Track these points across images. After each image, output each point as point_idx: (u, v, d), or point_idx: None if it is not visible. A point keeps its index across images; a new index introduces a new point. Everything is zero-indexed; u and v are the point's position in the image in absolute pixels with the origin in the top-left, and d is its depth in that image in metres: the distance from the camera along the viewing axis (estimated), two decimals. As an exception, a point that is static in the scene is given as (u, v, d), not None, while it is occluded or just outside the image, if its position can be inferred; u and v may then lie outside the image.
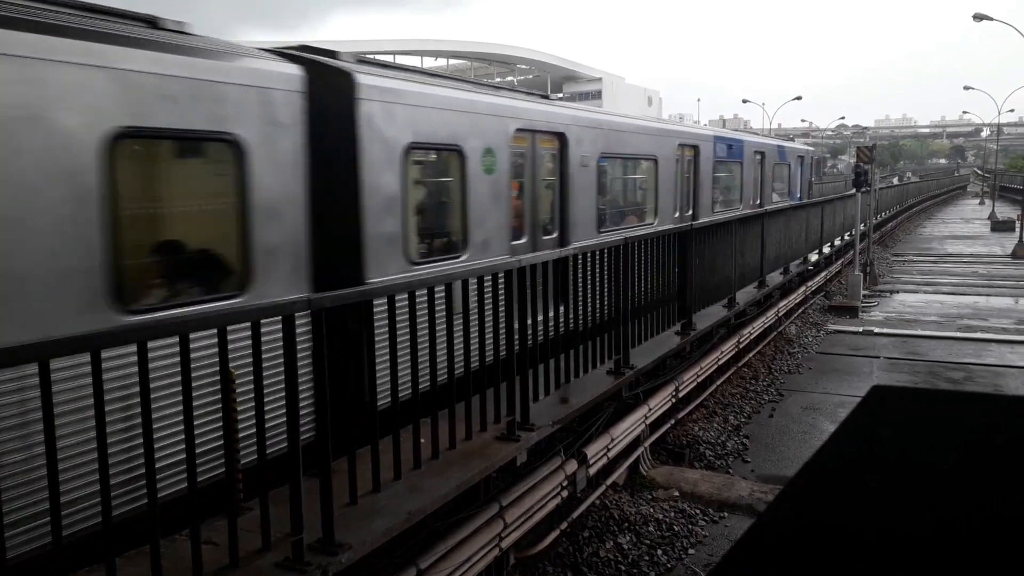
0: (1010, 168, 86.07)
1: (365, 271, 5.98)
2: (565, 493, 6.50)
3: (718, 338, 10.82)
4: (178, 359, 3.47)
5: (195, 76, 4.75)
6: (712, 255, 9.82)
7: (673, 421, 9.35)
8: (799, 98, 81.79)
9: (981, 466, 1.00)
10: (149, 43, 4.58)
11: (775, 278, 13.80)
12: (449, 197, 7.33)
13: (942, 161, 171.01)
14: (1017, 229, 30.76)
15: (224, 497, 3.95)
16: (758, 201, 17.51)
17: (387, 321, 4.58)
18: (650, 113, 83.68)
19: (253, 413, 3.83)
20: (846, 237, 22.48)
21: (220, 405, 4.06)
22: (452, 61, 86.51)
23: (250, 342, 3.76)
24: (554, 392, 6.31)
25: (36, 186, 3.98)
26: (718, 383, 11.14)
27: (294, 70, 5.49)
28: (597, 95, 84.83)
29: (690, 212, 13.42)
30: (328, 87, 5.81)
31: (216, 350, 3.68)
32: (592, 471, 7.02)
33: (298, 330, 3.85)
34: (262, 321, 3.78)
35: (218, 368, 3.70)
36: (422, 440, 4.93)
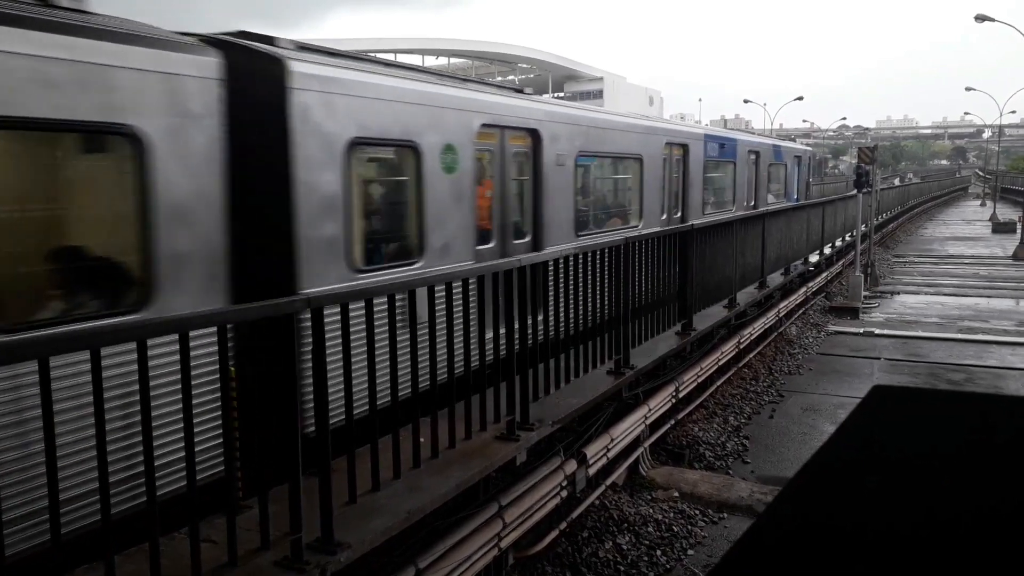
0: (1011, 169, 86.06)
1: (298, 280, 5.41)
2: (564, 493, 6.49)
3: (718, 339, 10.81)
4: (176, 357, 3.47)
5: (83, 59, 4.20)
6: (713, 255, 9.80)
7: (673, 422, 9.34)
8: (800, 98, 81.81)
9: (981, 466, 1.00)
10: (23, 20, 4.04)
11: (776, 279, 13.79)
12: (403, 198, 6.75)
13: (944, 162, 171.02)
14: (1018, 231, 30.75)
15: (223, 495, 3.94)
16: (752, 203, 17.01)
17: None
18: (651, 113, 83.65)
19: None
20: (847, 238, 22.47)
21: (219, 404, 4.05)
22: (453, 60, 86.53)
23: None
24: (554, 392, 6.30)
25: None
26: (718, 384, 11.13)
27: (210, 55, 4.95)
28: (599, 95, 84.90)
29: (679, 214, 12.92)
30: (254, 75, 5.30)
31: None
32: (592, 471, 7.02)
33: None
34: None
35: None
36: (421, 439, 4.93)
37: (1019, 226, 31.18)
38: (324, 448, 3.98)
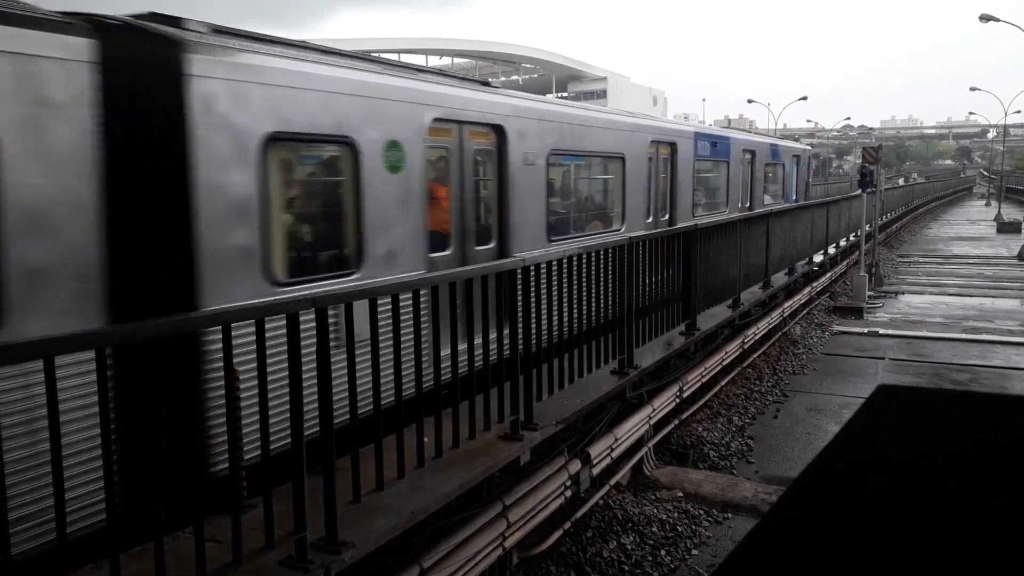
0: (1016, 169, 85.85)
1: (200, 295, 4.74)
2: (568, 493, 6.49)
3: (722, 338, 10.80)
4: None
5: None
6: (717, 255, 9.79)
7: (677, 421, 9.34)
8: (804, 98, 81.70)
9: (986, 465, 0.99)
10: None
11: (780, 279, 13.77)
12: (337, 200, 6.08)
13: (948, 162, 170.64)
14: (1023, 231, 30.64)
15: (227, 494, 3.95)
16: (747, 204, 16.37)
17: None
18: (655, 113, 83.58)
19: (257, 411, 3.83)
20: (851, 238, 22.43)
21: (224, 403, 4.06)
22: (456, 60, 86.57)
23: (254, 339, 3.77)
24: (558, 391, 6.30)
25: None
26: (722, 384, 11.13)
27: (79, 35, 4.27)
28: (602, 94, 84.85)
29: (666, 217, 12.31)
30: (141, 60, 4.64)
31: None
32: (596, 471, 7.02)
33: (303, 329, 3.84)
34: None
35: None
36: (425, 439, 4.93)
37: (1024, 226, 31.07)
38: (328, 447, 3.99)
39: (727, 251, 10.22)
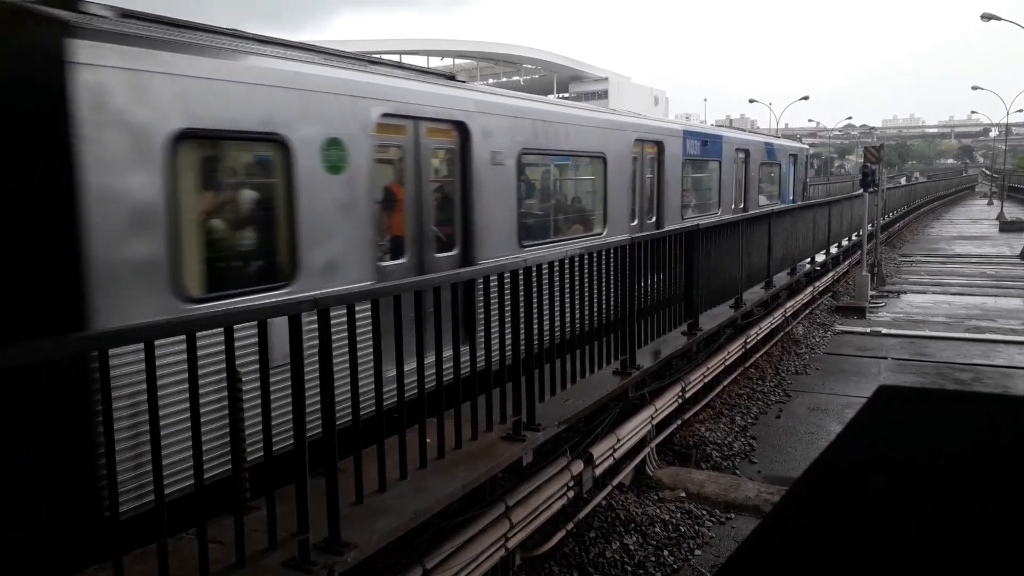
0: (1019, 168, 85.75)
1: (90, 316, 4.19)
2: (571, 493, 6.49)
3: (725, 338, 10.79)
4: (183, 358, 3.49)
5: None
6: (719, 255, 9.78)
7: (680, 422, 9.33)
8: (806, 98, 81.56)
9: (987, 466, 1.00)
10: None
11: (782, 278, 13.76)
12: (265, 205, 5.49)
13: (950, 161, 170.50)
14: (1026, 229, 30.61)
15: (230, 496, 3.96)
16: (741, 205, 15.92)
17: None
18: (656, 113, 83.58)
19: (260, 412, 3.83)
20: (853, 237, 22.40)
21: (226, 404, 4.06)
22: (458, 61, 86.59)
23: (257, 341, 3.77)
24: (560, 392, 6.30)
25: None
26: (725, 384, 11.12)
27: None
28: (603, 95, 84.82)
29: (653, 219, 11.81)
30: (16, 44, 4.14)
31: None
32: (598, 471, 7.02)
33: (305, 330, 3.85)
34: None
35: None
36: (428, 440, 4.94)
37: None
38: (331, 448, 3.99)
39: (729, 251, 10.20)
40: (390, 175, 6.70)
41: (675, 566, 6.69)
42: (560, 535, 6.57)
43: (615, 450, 7.31)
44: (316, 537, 3.90)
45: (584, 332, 6.68)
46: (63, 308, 4.23)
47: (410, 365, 4.78)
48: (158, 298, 4.51)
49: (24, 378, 2.82)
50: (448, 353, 5.06)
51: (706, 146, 13.87)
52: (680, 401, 8.92)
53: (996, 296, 20.06)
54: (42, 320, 4.26)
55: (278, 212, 5.44)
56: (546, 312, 5.97)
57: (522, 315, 5.54)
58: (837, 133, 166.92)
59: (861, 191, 20.82)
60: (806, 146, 24.87)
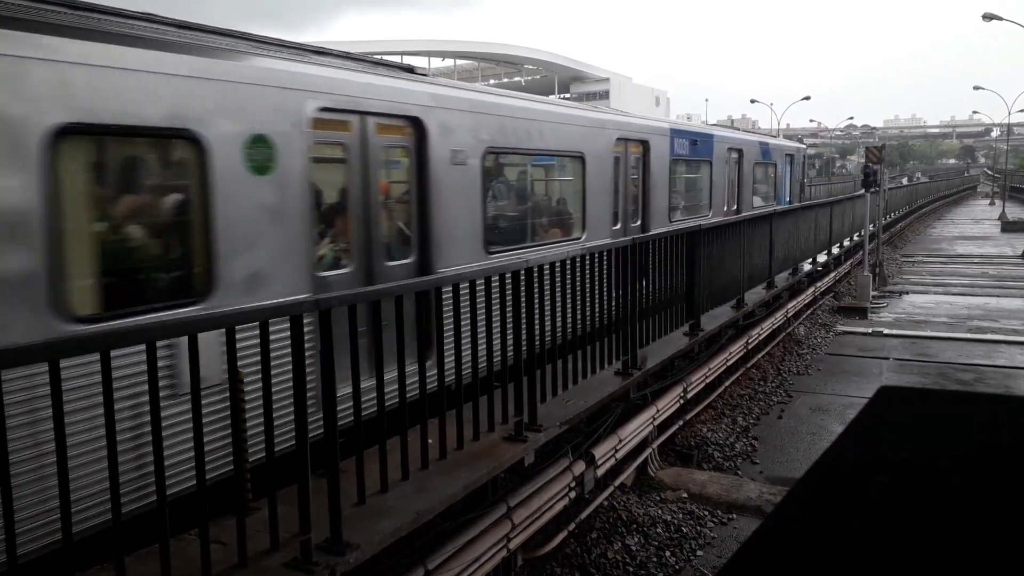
0: (1020, 168, 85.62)
1: None
2: (573, 494, 6.49)
3: (727, 339, 10.79)
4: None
5: None
6: (720, 256, 9.77)
7: (681, 422, 9.33)
8: (807, 98, 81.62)
9: (988, 466, 1.00)
10: None
11: (784, 279, 13.75)
12: (175, 210, 4.90)
13: (952, 161, 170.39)
14: (1028, 229, 30.57)
15: (232, 496, 3.96)
16: (735, 207, 15.40)
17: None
18: (658, 113, 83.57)
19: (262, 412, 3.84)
20: (855, 238, 22.38)
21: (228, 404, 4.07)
22: (459, 61, 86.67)
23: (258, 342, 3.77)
24: (562, 392, 6.30)
25: None
26: (727, 384, 11.12)
27: None
28: (605, 95, 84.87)
29: (638, 222, 11.31)
30: None
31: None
32: (600, 472, 7.02)
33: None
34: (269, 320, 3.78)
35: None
36: (430, 441, 4.94)
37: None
38: (333, 449, 3.99)
39: (731, 251, 10.19)
40: (332, 176, 6.15)
41: (677, 567, 6.69)
42: (562, 536, 6.57)
43: (617, 451, 7.31)
44: (318, 538, 3.91)
45: (586, 333, 6.68)
46: None
47: (411, 366, 4.78)
48: (34, 317, 3.96)
49: None
50: (449, 354, 5.06)
51: (696, 145, 13.45)
52: (682, 402, 8.92)
53: (998, 296, 20.03)
54: None
55: (190, 218, 4.88)
56: (547, 312, 5.97)
57: (523, 315, 5.55)
58: (839, 133, 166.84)
59: (863, 191, 20.79)
60: (803, 145, 24.29)
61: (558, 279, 6.14)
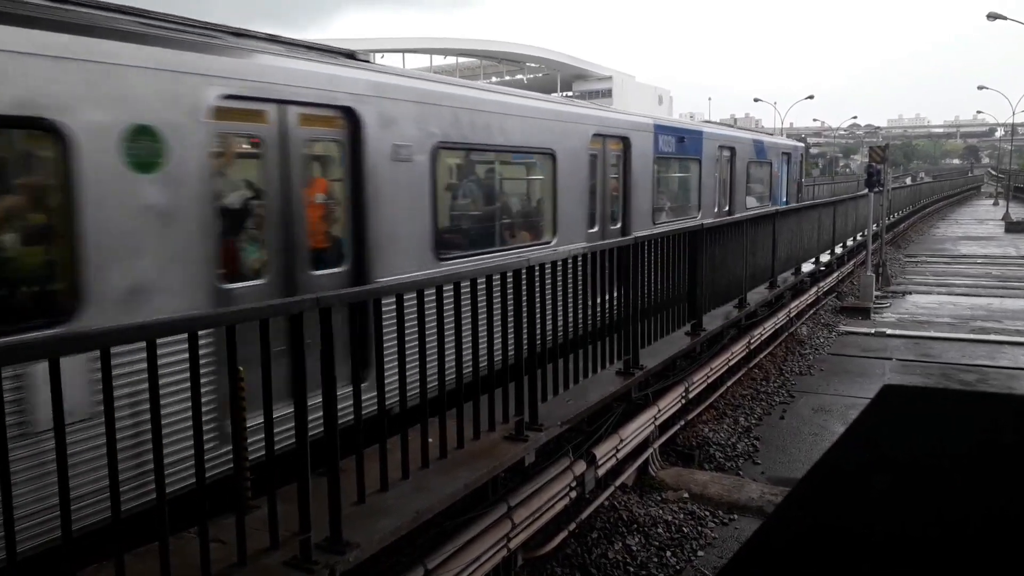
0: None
1: None
2: (574, 494, 6.48)
3: (729, 339, 10.78)
4: (185, 356, 3.48)
5: None
6: (723, 255, 9.75)
7: (683, 422, 9.32)
8: (811, 97, 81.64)
9: (991, 465, 0.98)
10: None
11: (787, 278, 13.74)
12: (31, 215, 4.30)
13: (956, 161, 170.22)
14: (1031, 230, 30.52)
15: (232, 495, 3.96)
16: (726, 208, 14.79)
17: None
18: (660, 112, 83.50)
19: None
20: (858, 238, 22.35)
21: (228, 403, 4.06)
22: (461, 59, 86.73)
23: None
24: (563, 392, 6.29)
25: None
26: (728, 384, 11.10)
27: None
28: (607, 93, 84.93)
29: (618, 225, 10.69)
30: None
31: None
32: (601, 472, 7.01)
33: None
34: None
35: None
36: (430, 440, 4.93)
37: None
38: (333, 448, 3.98)
39: (733, 251, 10.17)
40: (243, 173, 5.54)
41: (678, 567, 6.67)
42: (562, 536, 6.56)
43: (618, 450, 7.30)
44: (318, 536, 3.90)
45: (587, 332, 6.66)
46: None
47: (413, 364, 4.77)
48: None
49: None
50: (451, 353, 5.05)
51: (683, 143, 12.68)
52: (683, 402, 8.90)
53: (1002, 297, 19.99)
54: None
55: (52, 223, 4.22)
56: (548, 312, 5.96)
57: (524, 315, 5.53)
58: (842, 133, 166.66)
59: (866, 191, 20.75)
60: (800, 144, 23.54)
61: (559, 278, 6.12)
